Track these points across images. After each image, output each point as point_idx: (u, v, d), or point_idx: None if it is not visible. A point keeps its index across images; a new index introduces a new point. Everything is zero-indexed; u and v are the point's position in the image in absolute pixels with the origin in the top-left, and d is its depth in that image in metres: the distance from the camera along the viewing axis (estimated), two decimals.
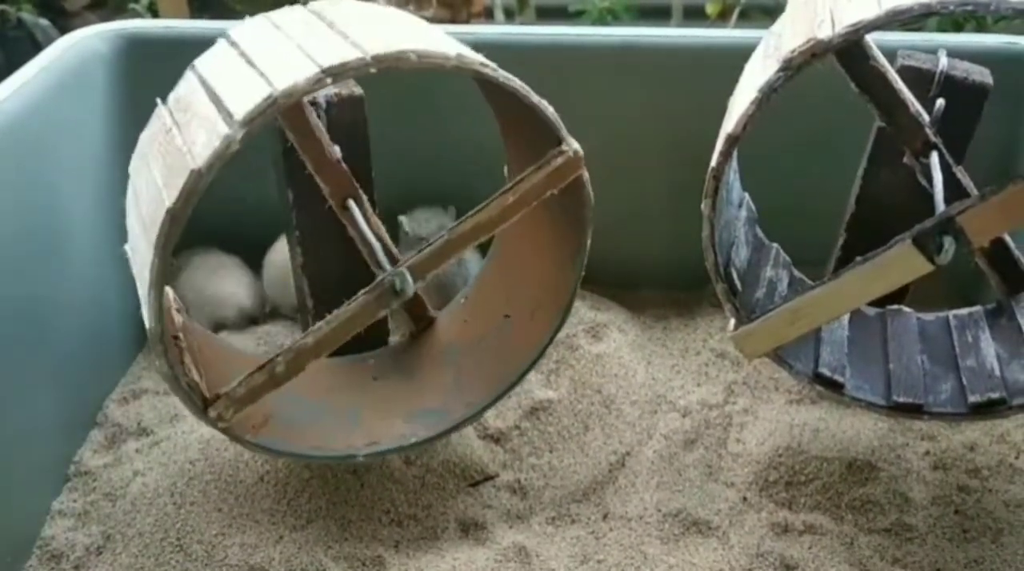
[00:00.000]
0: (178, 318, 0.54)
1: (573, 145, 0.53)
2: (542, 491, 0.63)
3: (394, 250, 0.57)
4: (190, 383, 0.50)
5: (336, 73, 0.45)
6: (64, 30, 0.70)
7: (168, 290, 0.54)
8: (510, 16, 1.40)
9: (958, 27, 1.09)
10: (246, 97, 0.46)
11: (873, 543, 0.59)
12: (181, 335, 0.52)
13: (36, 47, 2.13)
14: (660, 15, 1.55)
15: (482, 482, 0.65)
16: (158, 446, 0.64)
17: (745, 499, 0.62)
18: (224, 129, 0.45)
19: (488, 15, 1.45)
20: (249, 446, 0.54)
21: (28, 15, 2.44)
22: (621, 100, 0.77)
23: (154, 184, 0.49)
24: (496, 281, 0.65)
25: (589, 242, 0.57)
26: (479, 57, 0.49)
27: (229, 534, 0.56)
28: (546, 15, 1.46)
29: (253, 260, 0.82)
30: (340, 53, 0.46)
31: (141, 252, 0.49)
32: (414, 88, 0.73)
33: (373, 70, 0.45)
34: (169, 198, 0.46)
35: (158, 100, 0.55)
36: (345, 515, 0.59)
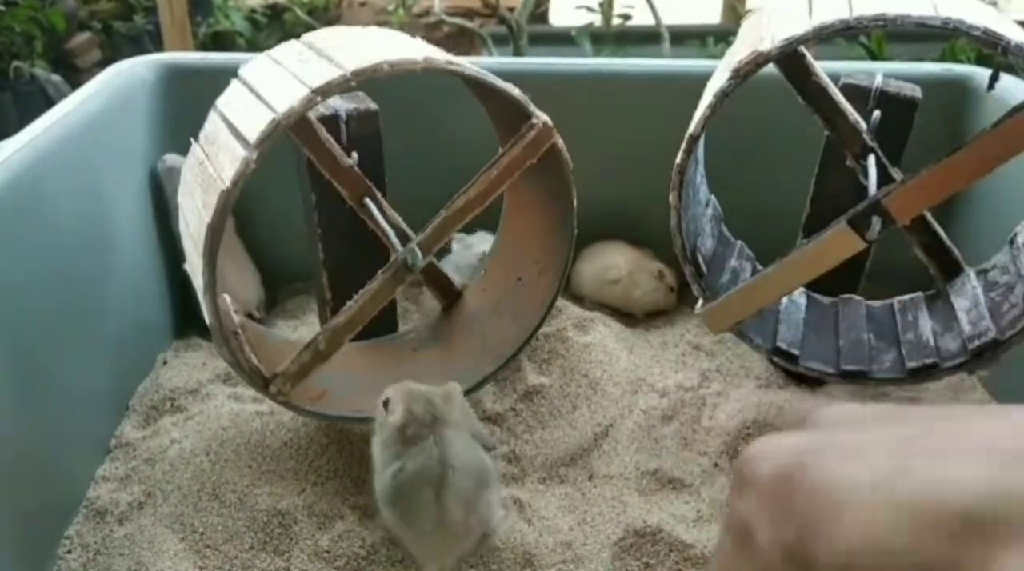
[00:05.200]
0: (236, 318, 0.62)
1: (542, 117, 0.61)
2: (534, 458, 0.70)
3: (408, 232, 0.65)
4: (251, 367, 0.58)
5: (323, 92, 0.53)
6: (75, 85, 0.78)
7: (226, 296, 0.63)
8: (499, 43, 1.51)
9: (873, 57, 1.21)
10: (256, 124, 0.55)
11: None
12: (240, 331, 0.60)
13: (48, 102, 2.23)
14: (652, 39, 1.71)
15: None
16: (192, 420, 0.71)
17: (716, 464, 0.70)
18: (242, 152, 0.54)
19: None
20: (306, 414, 0.62)
21: (41, 71, 2.56)
22: (610, 123, 0.86)
23: (196, 208, 0.58)
24: (506, 252, 0.74)
25: (575, 202, 0.65)
26: (445, 57, 0.58)
27: (259, 485, 0.63)
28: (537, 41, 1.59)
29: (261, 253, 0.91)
30: (325, 75, 0.55)
31: (195, 264, 0.58)
32: (425, 103, 0.83)
33: (354, 83, 0.54)
34: (208, 216, 0.55)
35: (192, 139, 0.63)
36: (360, 475, 0.66)
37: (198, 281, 0.57)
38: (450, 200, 0.62)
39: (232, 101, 0.61)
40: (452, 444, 0.57)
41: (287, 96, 0.54)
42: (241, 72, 0.64)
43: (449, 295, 0.74)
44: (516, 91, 0.60)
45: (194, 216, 0.58)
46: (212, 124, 0.62)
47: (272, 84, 0.58)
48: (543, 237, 0.70)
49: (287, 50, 0.63)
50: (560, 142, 0.63)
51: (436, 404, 0.58)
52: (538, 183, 0.68)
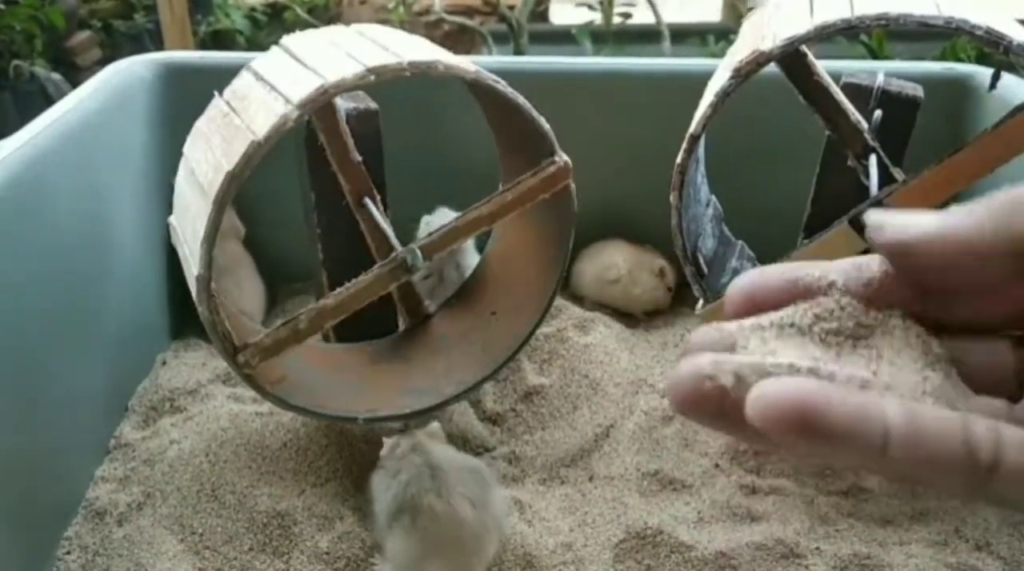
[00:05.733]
0: (212, 285, 0.61)
1: (563, 157, 0.61)
2: (534, 459, 0.70)
3: (395, 242, 0.65)
4: (224, 332, 0.57)
5: (378, 72, 0.53)
6: (76, 84, 0.78)
7: None
8: (500, 41, 1.51)
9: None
10: (301, 86, 0.53)
11: (831, 502, 0.66)
12: (215, 294, 0.60)
13: (48, 101, 2.22)
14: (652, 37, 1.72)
15: (481, 454, 0.72)
16: (191, 420, 0.71)
17: (717, 465, 0.69)
18: (282, 109, 0.52)
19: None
20: (266, 395, 0.60)
21: (41, 69, 2.55)
22: (611, 122, 0.86)
23: (212, 156, 0.56)
24: (486, 281, 0.73)
25: (570, 250, 0.65)
26: (493, 75, 0.58)
27: (258, 486, 0.63)
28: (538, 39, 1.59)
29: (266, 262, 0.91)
30: (382, 58, 0.54)
31: (194, 212, 0.56)
32: (423, 108, 0.83)
33: (408, 73, 0.53)
34: (229, 163, 0.53)
35: (215, 93, 0.63)
36: (360, 476, 0.66)
37: (197, 229, 0.55)
38: (463, 212, 0.62)
39: (271, 65, 0.60)
40: (432, 451, 0.58)
41: (339, 68, 0.54)
42: (284, 42, 0.63)
43: (417, 316, 0.73)
44: (546, 126, 0.61)
45: (208, 164, 0.57)
46: (243, 82, 0.61)
47: (322, 56, 0.58)
48: (527, 276, 0.69)
49: (338, 31, 0.63)
50: (572, 186, 0.63)
51: (417, 435, 0.61)
52: (538, 221, 0.68)
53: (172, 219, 0.63)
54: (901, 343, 0.26)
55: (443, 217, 0.79)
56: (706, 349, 0.25)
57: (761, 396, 0.22)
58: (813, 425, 0.21)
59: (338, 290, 0.60)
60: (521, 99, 0.59)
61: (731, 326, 0.26)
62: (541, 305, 0.68)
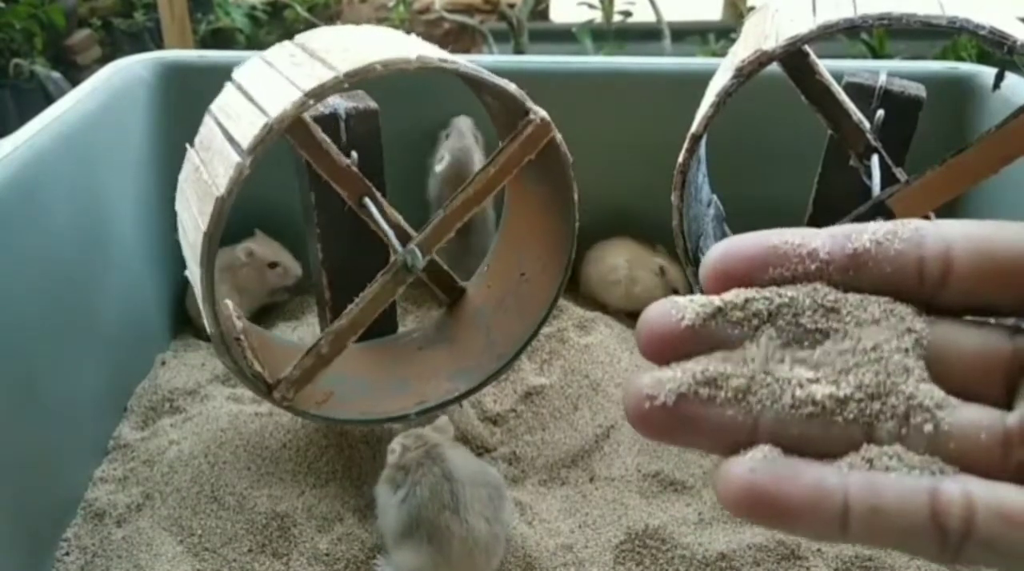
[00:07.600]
0: (239, 324, 0.62)
1: (540, 113, 0.60)
2: (535, 459, 0.70)
3: (409, 230, 0.65)
4: (255, 373, 0.58)
5: (316, 94, 0.53)
6: (76, 83, 0.78)
7: (228, 302, 0.62)
8: (500, 39, 1.51)
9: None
10: (249, 129, 0.54)
11: None
12: (243, 337, 0.60)
13: (48, 99, 2.22)
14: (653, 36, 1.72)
15: (482, 454, 0.72)
16: (190, 421, 0.71)
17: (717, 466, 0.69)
18: (236, 158, 0.53)
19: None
20: (312, 418, 0.61)
21: (41, 68, 2.55)
22: (612, 121, 0.86)
23: (192, 216, 0.57)
24: (509, 248, 0.73)
25: (576, 197, 0.64)
26: (439, 55, 0.56)
27: (258, 487, 0.63)
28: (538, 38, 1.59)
29: None
30: (318, 77, 0.54)
31: (194, 273, 0.57)
32: (425, 101, 0.82)
33: (346, 85, 0.53)
34: (203, 224, 0.54)
35: (187, 145, 0.63)
36: (359, 477, 0.66)
37: (198, 290, 0.56)
38: (449, 199, 0.61)
39: (226, 105, 0.60)
40: (450, 459, 0.57)
41: (280, 99, 0.54)
42: (234, 75, 0.63)
43: (452, 292, 0.74)
44: (512, 87, 0.59)
45: (191, 225, 0.58)
46: (207, 129, 0.61)
47: (265, 87, 0.57)
48: (545, 232, 0.69)
49: (280, 52, 0.62)
50: (559, 137, 0.62)
51: (427, 435, 0.60)
52: (538, 179, 0.67)
53: (187, 273, 0.63)
54: (871, 341, 0.23)
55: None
56: (655, 335, 0.24)
57: (719, 477, 0.22)
58: (767, 507, 0.21)
59: (349, 308, 0.60)
60: (482, 71, 0.57)
61: (682, 301, 0.24)
62: (563, 259, 0.67)
